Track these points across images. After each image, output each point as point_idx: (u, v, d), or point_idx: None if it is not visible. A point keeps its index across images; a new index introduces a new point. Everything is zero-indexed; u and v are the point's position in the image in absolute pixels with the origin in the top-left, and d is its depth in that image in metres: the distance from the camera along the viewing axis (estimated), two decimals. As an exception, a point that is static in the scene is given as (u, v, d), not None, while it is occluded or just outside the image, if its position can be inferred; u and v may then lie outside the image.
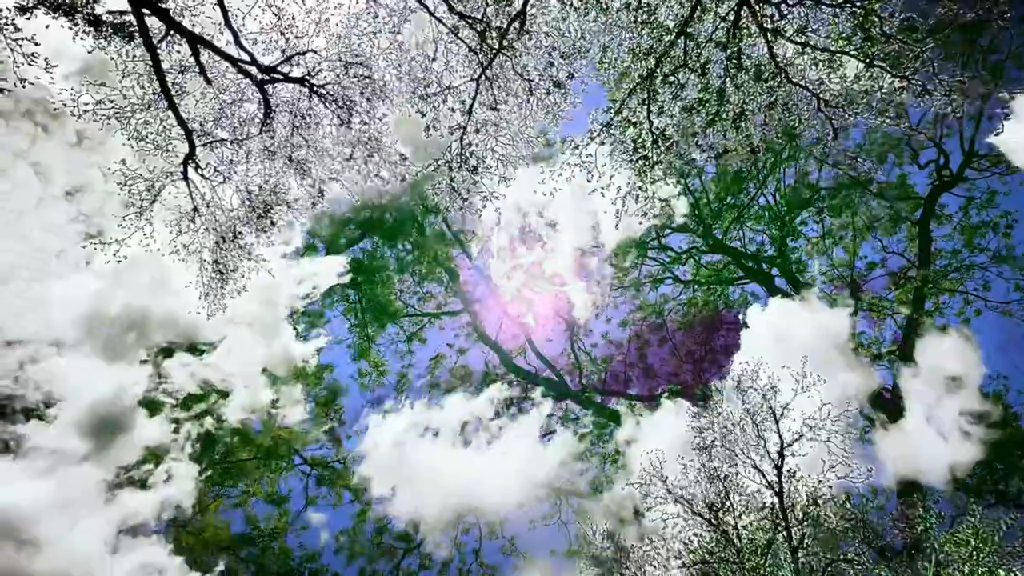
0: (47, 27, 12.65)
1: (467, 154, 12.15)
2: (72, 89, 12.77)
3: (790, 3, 10.99)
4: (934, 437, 24.13)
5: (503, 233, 34.50)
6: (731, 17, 11.42)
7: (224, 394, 32.10)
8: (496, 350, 34.84)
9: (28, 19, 12.30)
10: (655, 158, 11.81)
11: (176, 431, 30.77)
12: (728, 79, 11.45)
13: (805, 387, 18.14)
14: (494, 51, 11.96)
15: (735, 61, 11.39)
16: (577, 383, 33.94)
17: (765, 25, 11.10)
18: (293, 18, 12.61)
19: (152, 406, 30.18)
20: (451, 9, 11.96)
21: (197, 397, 31.48)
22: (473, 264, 35.00)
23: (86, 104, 12.85)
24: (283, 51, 12.58)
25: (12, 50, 12.14)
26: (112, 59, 12.43)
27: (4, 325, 22.34)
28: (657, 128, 11.71)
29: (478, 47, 11.85)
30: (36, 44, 12.32)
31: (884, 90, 11.57)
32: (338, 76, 12.66)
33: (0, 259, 22.02)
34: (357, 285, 33.72)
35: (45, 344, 23.81)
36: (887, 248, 29.24)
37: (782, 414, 18.03)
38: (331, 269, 31.82)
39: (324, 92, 12.74)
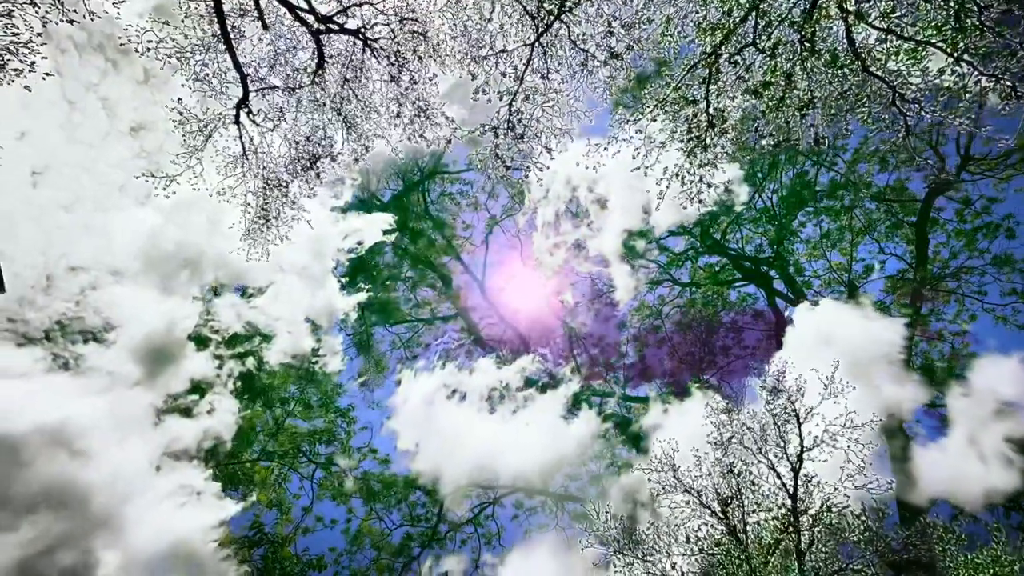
0: (117, -39, 12.35)
1: (514, 121, 11.38)
2: (137, 26, 12.50)
3: (878, -16, 9.69)
4: (973, 459, 22.63)
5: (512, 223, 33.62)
6: (810, -4, 10.20)
7: (267, 337, 32.55)
8: (490, 352, 34.37)
9: (99, -49, 12.03)
10: (709, 140, 10.81)
11: (220, 367, 31.44)
12: (799, 63, 10.28)
13: (832, 392, 17.09)
14: (552, 16, 11.06)
15: (808, 44, 10.20)
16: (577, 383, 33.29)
17: (847, 6, 9.85)
18: (353, -32, 11.94)
19: (200, 341, 30.88)
20: (513, -32, 11.07)
21: (242, 337, 32.00)
22: (467, 269, 34.37)
23: (150, 42, 12.57)
24: (340, 1, 11.95)
25: (82, -19, 11.92)
26: (175, -3, 12.06)
27: (68, 251, 22.96)
28: (716, 109, 10.67)
29: (535, 11, 10.97)
30: (107, -23, 12.07)
31: (969, 89, 10.23)
32: (392, 31, 11.99)
33: (68, 188, 22.52)
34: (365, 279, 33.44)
35: (105, 272, 24.44)
36: (884, 250, 28.31)
37: (806, 417, 17.06)
38: (375, 225, 31.58)
39: (377, 46, 12.10)
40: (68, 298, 23.88)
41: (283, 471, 31.15)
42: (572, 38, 10.97)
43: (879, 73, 10.46)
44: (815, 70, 10.36)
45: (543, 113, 11.39)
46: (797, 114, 10.47)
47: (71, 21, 12.41)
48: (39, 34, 12.02)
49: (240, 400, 30.89)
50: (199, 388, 30.59)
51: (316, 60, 12.29)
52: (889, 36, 10.46)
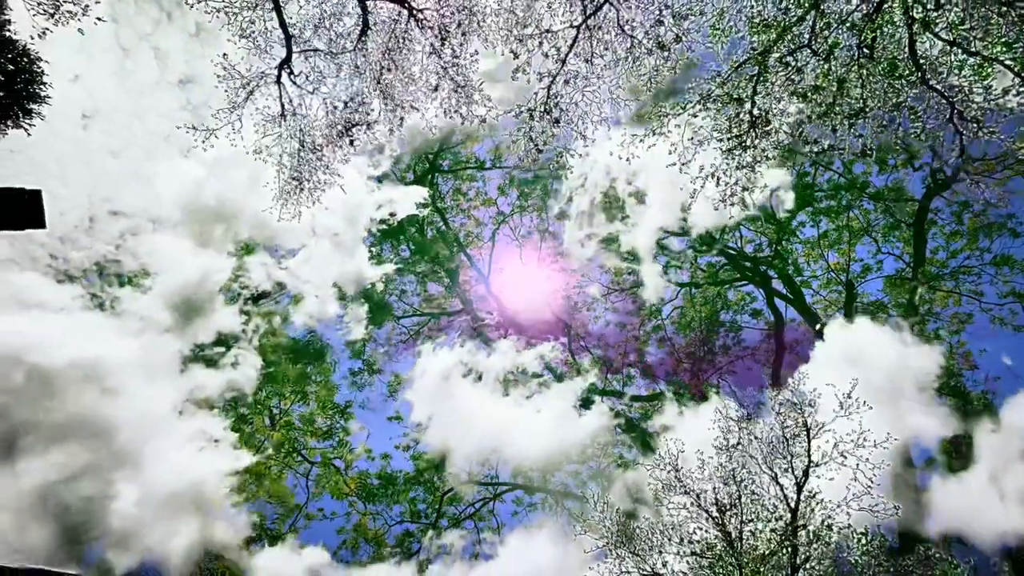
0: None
1: (552, 105, 10.98)
2: (189, -23, 12.38)
3: (951, -9, 8.95)
4: (993, 497, 21.65)
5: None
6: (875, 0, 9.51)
7: (296, 299, 32.74)
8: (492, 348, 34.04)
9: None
10: (749, 141, 10.26)
11: (247, 323, 31.78)
12: (854, 69, 9.63)
13: (847, 410, 16.47)
14: None
15: (867, 50, 9.54)
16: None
17: (913, 13, 9.16)
18: (405, -65, 11.59)
19: (230, 296, 31.25)
20: (566, -53, 10.61)
21: (270, 296, 32.21)
22: (473, 265, 33.85)
23: (200, -6, 12.45)
24: (389, -32, 11.65)
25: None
26: (228, -49, 11.89)
27: (112, 196, 23.37)
28: (760, 109, 10.10)
29: (586, -9, 10.50)
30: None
31: (1034, 111, 9.47)
32: (439, 3, 11.64)
33: (116, 134, 22.85)
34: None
35: (145, 219, 24.86)
36: (882, 250, 27.95)
37: (816, 433, 16.50)
38: (410, 198, 31.25)
39: (422, 17, 11.77)
40: (108, 241, 24.40)
41: (281, 469, 31.04)
42: (620, 23, 10.48)
43: (939, 87, 9.76)
44: (871, 78, 9.70)
45: (583, 98, 10.97)
46: (846, 122, 9.85)
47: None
48: (95, -22, 11.98)
49: (263, 356, 31.13)
50: (224, 341, 31.00)
51: (360, 27, 12.03)
52: (954, 49, 9.73)
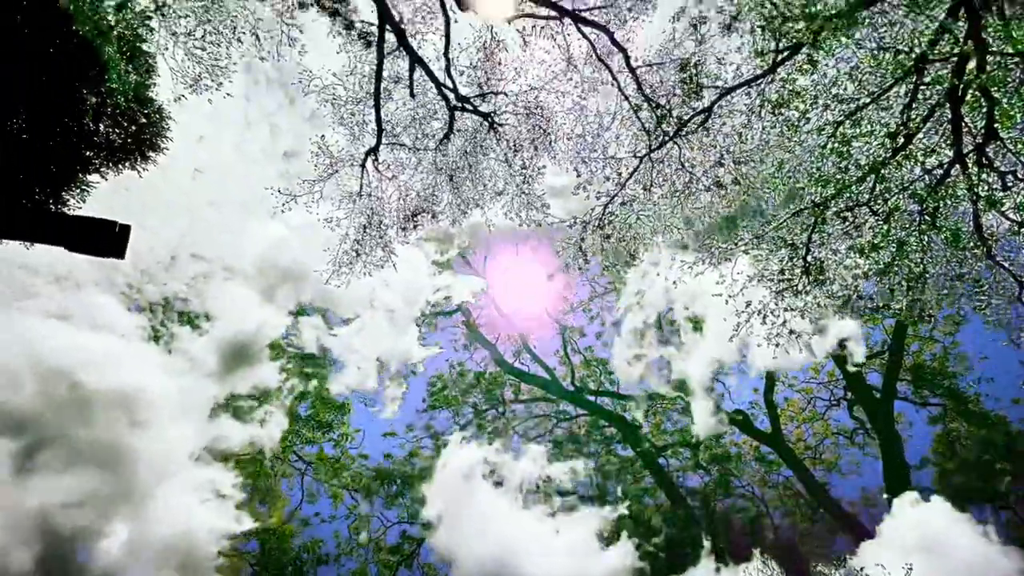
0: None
1: (605, 222, 11.36)
2: (309, 72, 14.29)
3: (1020, 176, 8.90)
4: None
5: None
6: (939, 172, 9.57)
7: (334, 365, 33.08)
8: (489, 348, 33.31)
9: (303, 11, 14.25)
10: (800, 287, 10.05)
11: (285, 381, 32.15)
12: (915, 234, 9.50)
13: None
14: (667, 137, 11.23)
15: (929, 218, 9.45)
16: (570, 383, 32.11)
17: (978, 191, 9.10)
18: (500, 62, 13.04)
19: (276, 352, 32.01)
20: (640, 89, 11.54)
21: (313, 359, 32.82)
22: (469, 264, 33.79)
23: (315, 87, 14.28)
24: (480, 86, 13.00)
25: (281, 31, 14.02)
26: (348, 55, 13.74)
27: (198, 241, 25.36)
28: (814, 258, 10.00)
29: (652, 128, 11.21)
30: (300, 31, 14.20)
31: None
32: (519, 120, 12.75)
33: (220, 189, 25.31)
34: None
35: (220, 267, 26.58)
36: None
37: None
38: (467, 287, 32.07)
39: (501, 131, 12.86)
40: (183, 280, 26.08)
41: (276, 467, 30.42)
42: (681, 160, 11.01)
43: (1005, 264, 9.40)
44: (932, 245, 9.51)
45: (636, 220, 11.31)
46: (904, 283, 9.54)
47: (262, 59, 14.48)
48: (234, 63, 14.07)
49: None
50: (258, 396, 31.31)
51: (445, 130, 13.25)
52: (1022, 230, 9.47)
